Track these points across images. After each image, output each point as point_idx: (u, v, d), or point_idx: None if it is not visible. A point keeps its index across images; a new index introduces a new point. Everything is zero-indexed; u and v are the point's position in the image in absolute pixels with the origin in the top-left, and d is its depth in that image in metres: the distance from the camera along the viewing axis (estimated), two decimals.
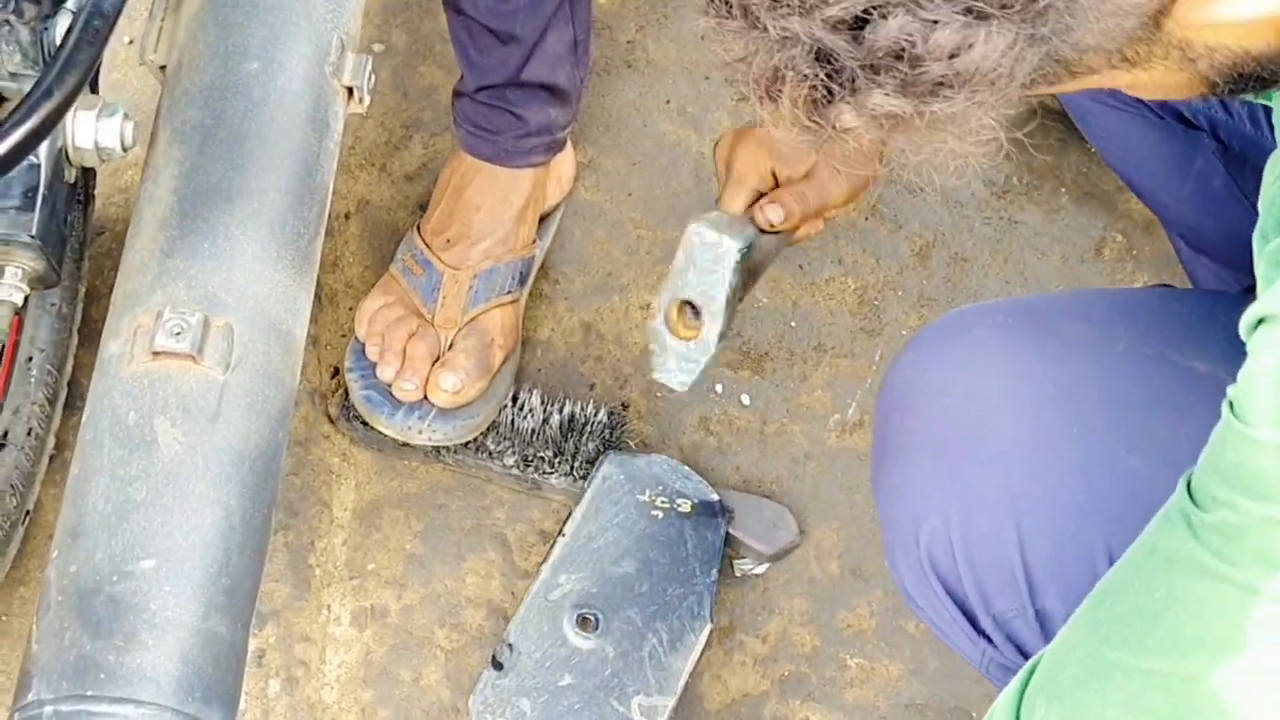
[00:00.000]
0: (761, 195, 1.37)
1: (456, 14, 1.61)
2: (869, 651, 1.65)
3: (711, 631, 1.59)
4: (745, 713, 1.61)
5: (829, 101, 0.88)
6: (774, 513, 1.67)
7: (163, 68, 1.30)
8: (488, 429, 1.67)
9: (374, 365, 1.65)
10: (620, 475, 1.64)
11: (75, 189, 1.46)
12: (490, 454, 1.67)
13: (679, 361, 1.34)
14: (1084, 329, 1.25)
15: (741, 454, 1.72)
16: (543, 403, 1.68)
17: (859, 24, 0.85)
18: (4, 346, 1.48)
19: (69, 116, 1.24)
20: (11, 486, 1.51)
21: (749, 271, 1.34)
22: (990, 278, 1.83)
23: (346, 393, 1.67)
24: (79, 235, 1.60)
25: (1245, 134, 1.40)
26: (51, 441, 1.59)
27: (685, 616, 1.58)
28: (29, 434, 1.54)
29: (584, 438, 1.67)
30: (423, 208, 1.76)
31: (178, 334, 1.12)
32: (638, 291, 1.79)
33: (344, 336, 1.72)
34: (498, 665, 1.55)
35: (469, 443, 1.66)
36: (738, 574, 1.66)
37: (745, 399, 1.75)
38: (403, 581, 1.64)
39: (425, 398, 1.63)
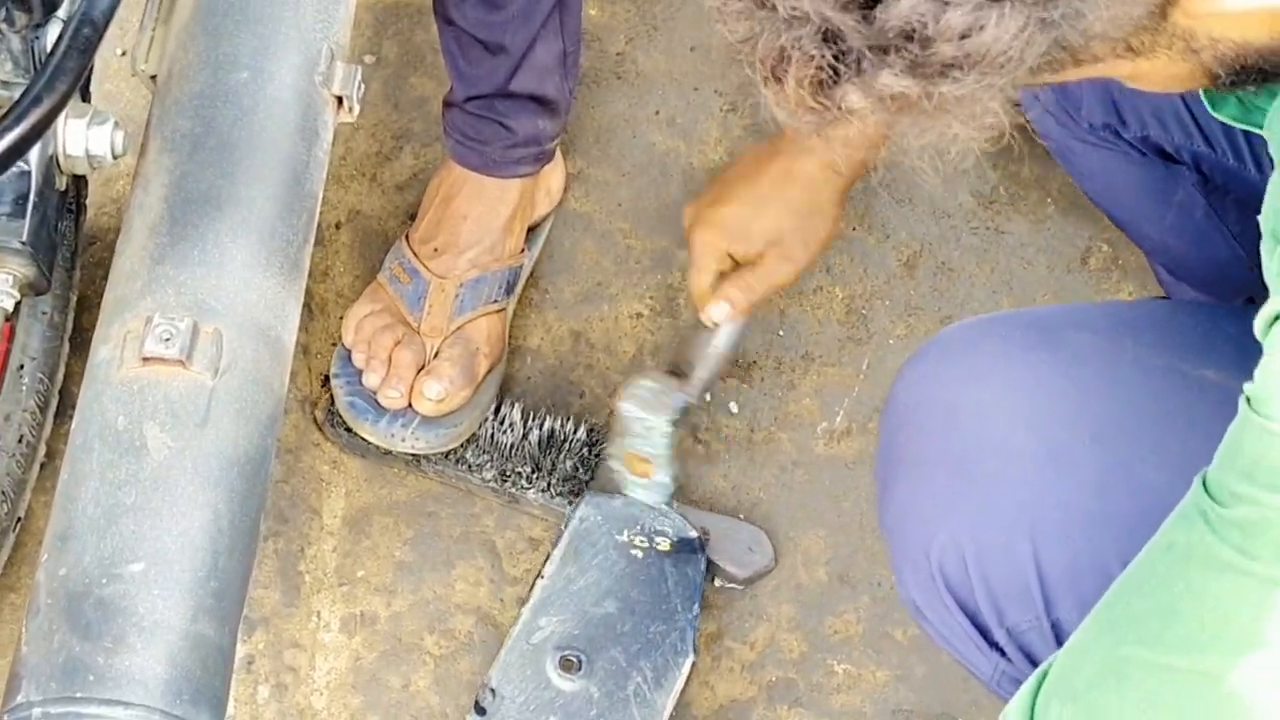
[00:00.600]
0: (723, 274, 1.54)
1: (446, 24, 1.62)
2: (856, 658, 1.65)
3: (694, 665, 1.58)
4: (733, 719, 1.62)
5: (835, 82, 0.88)
6: (750, 535, 1.67)
7: (154, 77, 1.31)
8: (467, 441, 1.67)
9: (360, 372, 1.66)
10: (598, 516, 1.62)
11: (66, 197, 1.47)
12: (470, 467, 1.67)
13: (644, 492, 1.62)
14: (1091, 340, 1.25)
15: (729, 462, 1.73)
16: (523, 417, 1.69)
17: (870, 3, 0.85)
18: None
19: (60, 124, 1.25)
20: (2, 494, 1.52)
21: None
22: (977, 287, 1.84)
23: (332, 399, 1.68)
24: (70, 243, 1.60)
25: (1228, 168, 1.40)
26: (43, 449, 1.60)
27: (669, 653, 1.56)
28: (20, 441, 1.54)
29: (562, 455, 1.67)
30: (413, 217, 1.76)
31: (167, 340, 1.13)
32: (627, 301, 1.80)
33: (334, 345, 1.73)
34: (480, 710, 1.53)
35: (449, 453, 1.67)
36: (717, 584, 1.66)
37: (733, 407, 1.76)
38: (392, 588, 1.65)
39: (410, 405, 1.64)
